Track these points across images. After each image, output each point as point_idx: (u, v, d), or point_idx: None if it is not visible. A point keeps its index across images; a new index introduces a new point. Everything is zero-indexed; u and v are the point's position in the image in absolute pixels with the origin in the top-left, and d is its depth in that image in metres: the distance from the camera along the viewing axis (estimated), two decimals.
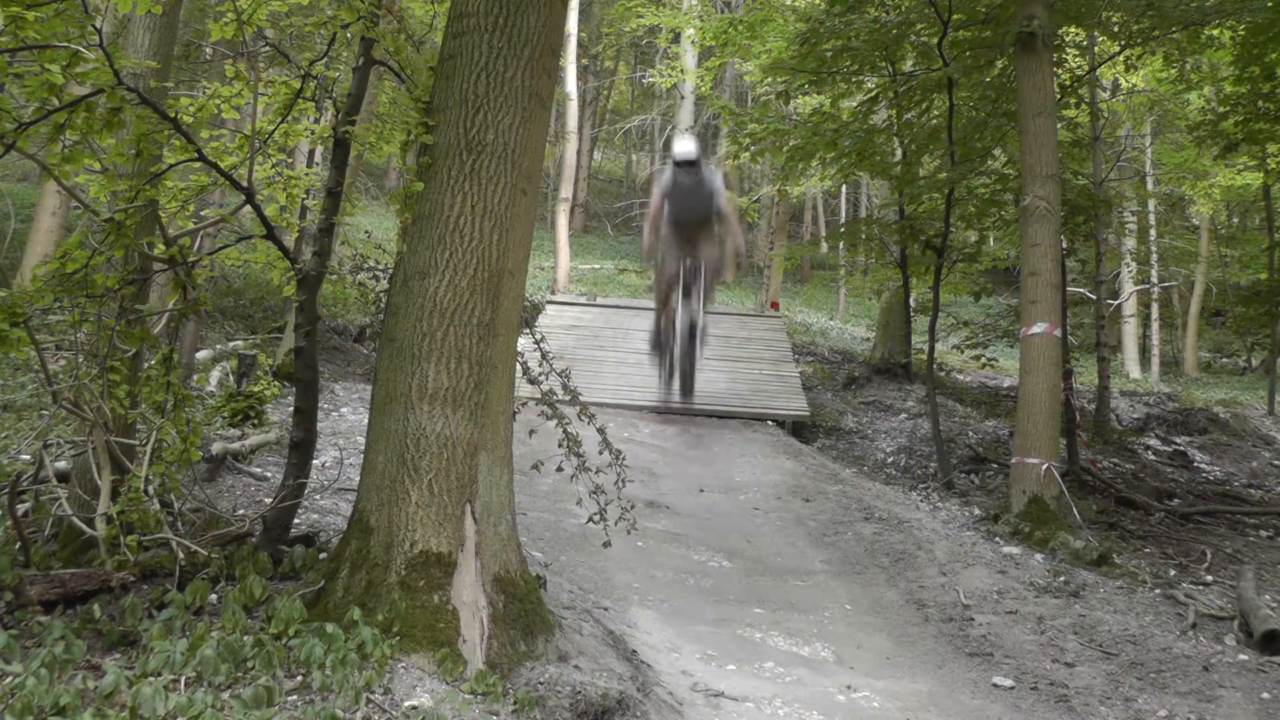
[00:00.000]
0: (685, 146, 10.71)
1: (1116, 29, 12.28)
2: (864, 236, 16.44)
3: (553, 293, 20.97)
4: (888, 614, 6.84)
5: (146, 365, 5.24)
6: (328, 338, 13.77)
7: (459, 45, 4.83)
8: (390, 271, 5.27)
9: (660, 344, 11.34)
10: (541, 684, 4.29)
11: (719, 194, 10.77)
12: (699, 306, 10.65)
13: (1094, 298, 14.62)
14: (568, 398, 6.17)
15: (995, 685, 5.82)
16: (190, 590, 4.56)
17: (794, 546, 8.11)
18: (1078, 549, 8.26)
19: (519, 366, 5.42)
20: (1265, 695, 5.83)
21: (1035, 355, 9.30)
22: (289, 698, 3.81)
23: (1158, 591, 7.56)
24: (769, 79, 14.17)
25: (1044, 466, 8.96)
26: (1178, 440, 14.54)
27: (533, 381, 6.03)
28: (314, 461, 7.08)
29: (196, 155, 4.83)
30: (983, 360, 15.33)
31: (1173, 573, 8.24)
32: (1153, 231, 26.50)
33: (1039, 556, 8.14)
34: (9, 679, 3.71)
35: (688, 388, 11.10)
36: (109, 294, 4.81)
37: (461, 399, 4.58)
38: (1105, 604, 7.14)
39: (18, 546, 4.90)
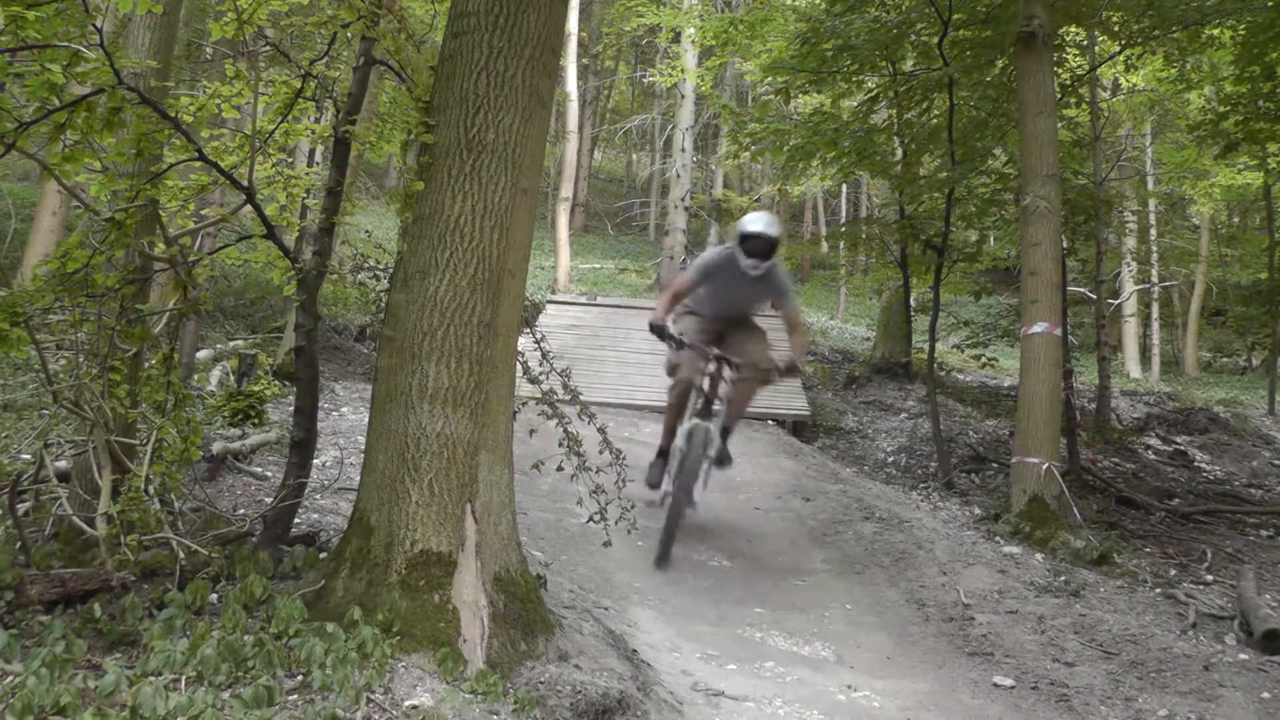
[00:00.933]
0: (764, 223, 7.64)
1: (1117, 28, 12.28)
2: (864, 236, 16.45)
3: (553, 292, 20.98)
4: (888, 613, 6.84)
5: (147, 365, 5.24)
6: (328, 337, 13.77)
7: (459, 45, 4.83)
8: (390, 271, 5.27)
9: (661, 473, 8.17)
10: (542, 683, 4.29)
11: (788, 294, 7.86)
12: (716, 427, 7.70)
13: (1094, 297, 14.62)
14: (568, 397, 6.17)
15: (996, 685, 5.82)
16: (190, 590, 4.56)
17: (794, 546, 8.11)
18: (1078, 548, 8.26)
19: (519, 366, 5.41)
20: (1266, 695, 5.83)
21: (1035, 355, 9.30)
22: (289, 697, 3.81)
23: (1158, 591, 7.56)
24: (769, 78, 14.18)
25: (1044, 466, 8.96)
26: (1178, 440, 14.55)
27: (533, 381, 6.02)
28: (314, 461, 7.08)
29: (197, 155, 4.83)
30: (983, 360, 15.34)
31: (1173, 572, 8.24)
32: (1153, 231, 26.51)
33: (1039, 556, 8.15)
34: (9, 678, 3.71)
35: (663, 553, 7.31)
36: (109, 293, 4.81)
37: (462, 398, 4.58)
38: (1106, 603, 7.14)
39: (18, 546, 4.90)
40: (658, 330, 7.56)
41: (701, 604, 6.64)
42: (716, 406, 7.66)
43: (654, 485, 8.16)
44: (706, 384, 7.67)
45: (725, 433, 7.97)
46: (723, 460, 8.02)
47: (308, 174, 5.81)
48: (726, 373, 7.75)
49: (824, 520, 8.81)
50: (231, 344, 12.29)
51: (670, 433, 8.08)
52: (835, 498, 9.48)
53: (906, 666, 6.03)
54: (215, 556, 4.86)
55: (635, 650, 5.37)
